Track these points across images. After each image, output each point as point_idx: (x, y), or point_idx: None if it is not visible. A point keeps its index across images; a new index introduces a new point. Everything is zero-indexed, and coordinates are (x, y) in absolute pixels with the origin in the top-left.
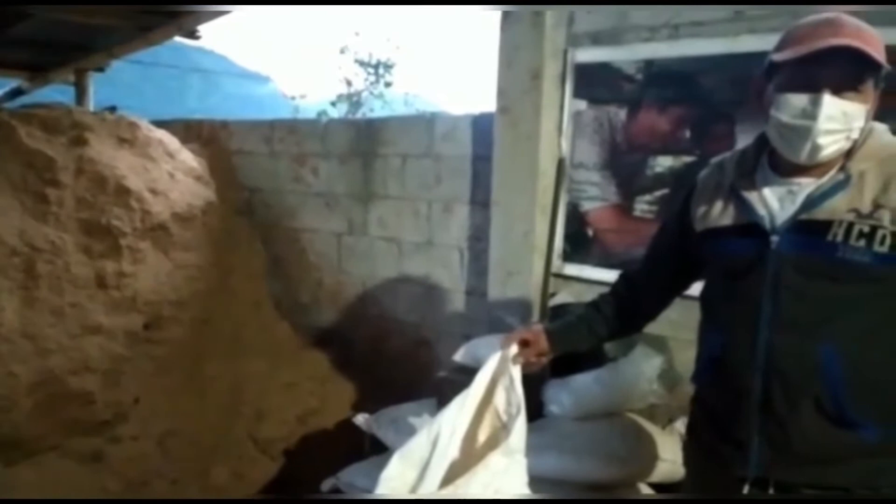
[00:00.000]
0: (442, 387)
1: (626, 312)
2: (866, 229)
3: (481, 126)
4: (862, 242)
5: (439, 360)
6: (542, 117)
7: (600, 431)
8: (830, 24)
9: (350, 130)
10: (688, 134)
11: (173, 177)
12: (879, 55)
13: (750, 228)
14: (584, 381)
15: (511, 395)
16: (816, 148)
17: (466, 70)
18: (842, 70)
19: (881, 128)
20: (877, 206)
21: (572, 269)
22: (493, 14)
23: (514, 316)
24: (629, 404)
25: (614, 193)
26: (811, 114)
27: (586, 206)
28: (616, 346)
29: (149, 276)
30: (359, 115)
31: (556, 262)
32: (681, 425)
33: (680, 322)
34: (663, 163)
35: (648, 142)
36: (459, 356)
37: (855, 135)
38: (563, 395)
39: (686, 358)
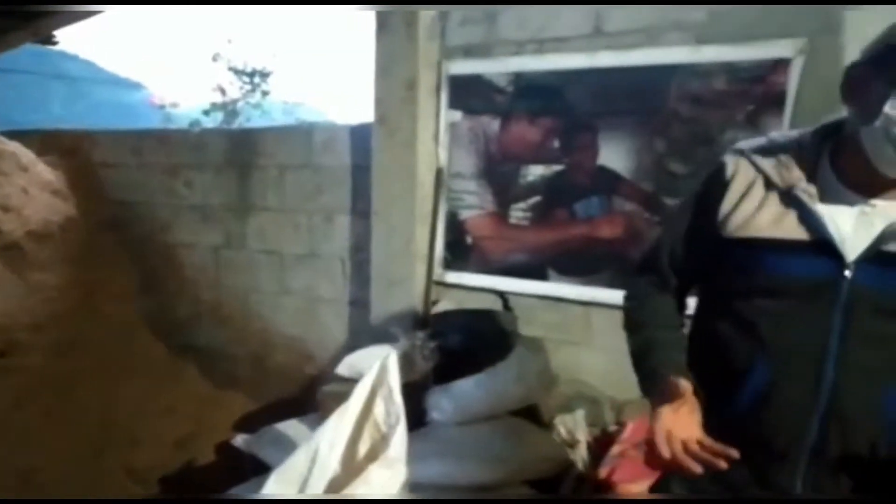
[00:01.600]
0: (325, 401)
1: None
2: None
3: (360, 136)
4: None
5: (325, 374)
6: (419, 127)
7: (482, 435)
8: None
9: (225, 141)
10: (556, 144)
11: (27, 192)
12: None
13: (817, 247)
14: (464, 387)
15: (390, 405)
16: None
17: (353, 78)
18: None
19: None
20: None
21: (453, 277)
22: (370, 23)
23: (398, 325)
24: (510, 406)
25: (491, 202)
26: None
27: (464, 214)
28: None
29: (0, 300)
30: (235, 125)
31: (438, 270)
32: (559, 424)
33: (556, 323)
34: (535, 171)
35: (520, 151)
36: (342, 368)
37: None
38: (444, 402)
39: (562, 358)
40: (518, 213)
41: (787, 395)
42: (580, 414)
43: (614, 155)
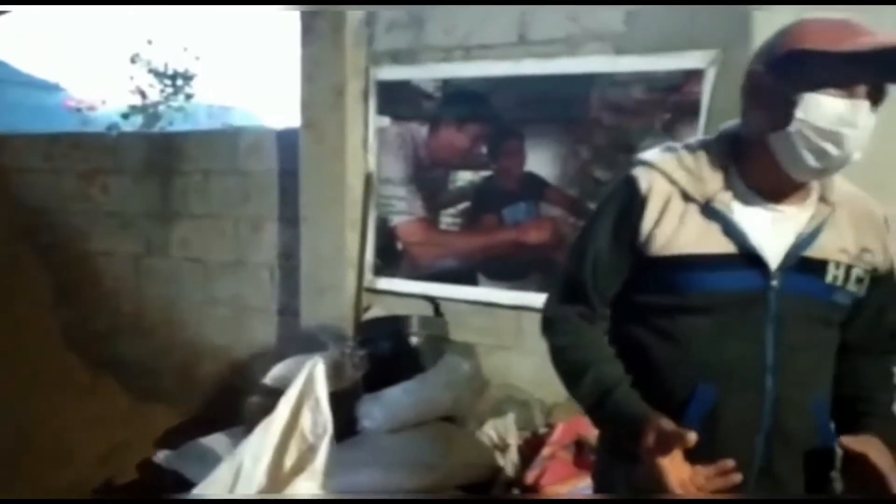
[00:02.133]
0: (251, 413)
1: None
2: (860, 273)
3: (287, 140)
4: (856, 287)
5: (252, 385)
6: (348, 133)
7: (411, 442)
8: (860, 25)
9: (145, 145)
10: (484, 150)
11: None
12: None
13: (744, 260)
14: (394, 394)
15: (317, 415)
16: (840, 162)
17: (283, 82)
18: (885, 81)
19: None
20: (861, 247)
21: (384, 283)
22: (295, 27)
23: (328, 333)
24: (440, 412)
25: (420, 207)
26: (850, 121)
27: (395, 220)
28: (427, 355)
29: None
30: (156, 129)
31: (368, 276)
32: (490, 429)
33: (486, 328)
34: (464, 177)
35: (449, 157)
36: (269, 379)
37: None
38: (375, 410)
39: (493, 363)
40: (448, 218)
41: (734, 415)
42: (510, 418)
43: (541, 161)
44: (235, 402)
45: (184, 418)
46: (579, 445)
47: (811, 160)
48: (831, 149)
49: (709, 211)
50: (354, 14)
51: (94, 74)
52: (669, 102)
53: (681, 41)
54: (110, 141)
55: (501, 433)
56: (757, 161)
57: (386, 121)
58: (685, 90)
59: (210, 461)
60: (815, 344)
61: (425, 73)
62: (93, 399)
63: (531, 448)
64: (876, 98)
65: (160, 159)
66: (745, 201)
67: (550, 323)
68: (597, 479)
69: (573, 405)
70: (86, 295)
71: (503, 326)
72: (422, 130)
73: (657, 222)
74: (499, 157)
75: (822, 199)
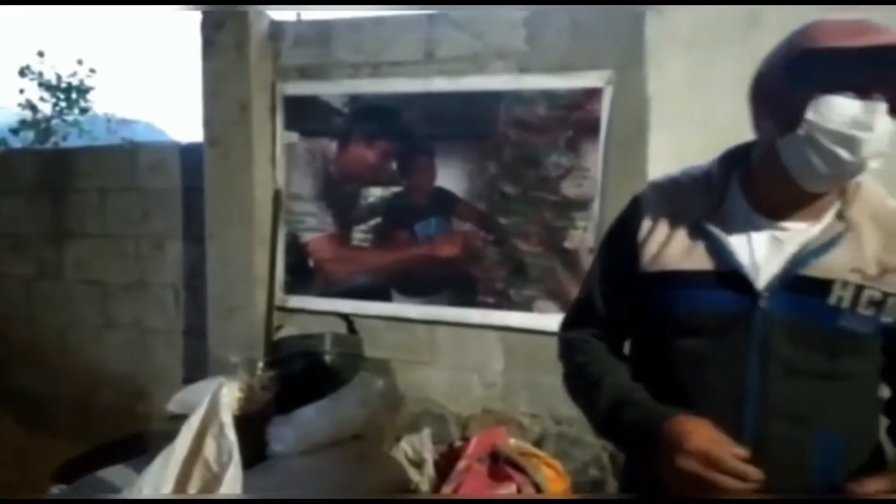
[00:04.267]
0: (152, 441)
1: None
2: (878, 296)
3: (191, 156)
4: (871, 311)
5: (156, 412)
6: (254, 149)
7: (325, 464)
8: (876, 24)
9: (35, 162)
10: (394, 165)
11: None
12: None
13: (727, 278)
14: (306, 415)
15: (222, 442)
16: (854, 169)
17: (188, 95)
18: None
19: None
20: (883, 268)
21: (296, 301)
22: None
23: (238, 354)
24: (354, 430)
25: (331, 224)
26: (865, 123)
27: (306, 236)
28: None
29: None
30: (49, 145)
31: (279, 294)
32: (406, 444)
33: (401, 344)
34: (375, 193)
35: (359, 173)
36: (172, 405)
37: (876, 163)
38: (286, 432)
39: (409, 378)
40: (359, 234)
41: None
42: (426, 433)
43: (451, 177)
44: (136, 431)
45: (82, 450)
46: (494, 457)
47: (822, 166)
48: (844, 154)
49: (697, 229)
50: (259, 28)
51: None
52: (572, 119)
53: (580, 61)
54: None
55: (417, 448)
56: (763, 176)
57: (294, 136)
58: (586, 108)
59: (108, 495)
60: (818, 375)
61: (334, 89)
62: None
63: (447, 462)
64: (893, 101)
65: (52, 177)
66: (744, 220)
67: (567, 344)
68: None
69: (488, 417)
70: None
71: (418, 341)
72: (331, 146)
73: (647, 238)
74: (409, 172)
75: (840, 214)
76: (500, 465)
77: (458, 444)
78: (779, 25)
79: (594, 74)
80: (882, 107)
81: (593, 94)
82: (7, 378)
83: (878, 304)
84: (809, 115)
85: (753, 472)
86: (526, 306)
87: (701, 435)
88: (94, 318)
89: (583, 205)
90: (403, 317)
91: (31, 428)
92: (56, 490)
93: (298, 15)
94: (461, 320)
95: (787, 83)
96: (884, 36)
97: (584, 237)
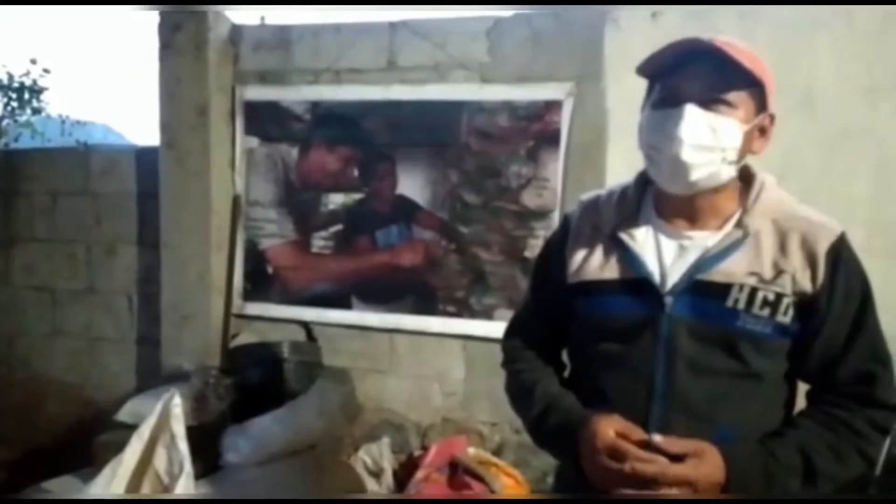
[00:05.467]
0: (100, 452)
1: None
2: (771, 297)
3: (147, 160)
4: (766, 311)
5: (107, 422)
6: (213, 154)
7: (279, 474)
8: (694, 37)
9: None
10: (356, 172)
11: None
12: (755, 68)
13: (637, 285)
14: (262, 424)
15: (173, 452)
16: (682, 166)
17: (146, 97)
18: (707, 80)
19: (772, 181)
20: (779, 270)
21: (254, 308)
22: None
23: (192, 362)
24: (311, 440)
25: (292, 230)
26: (673, 128)
27: (265, 243)
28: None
29: None
30: None
31: (237, 301)
32: (364, 454)
33: (361, 352)
34: (336, 200)
35: (320, 180)
36: (122, 415)
37: (731, 156)
38: (240, 442)
39: (368, 387)
40: (320, 241)
41: None
42: (385, 442)
43: (412, 185)
44: (87, 442)
45: (28, 464)
46: (453, 466)
47: (657, 176)
48: (663, 161)
49: (613, 240)
50: (219, 31)
51: None
52: (532, 130)
53: (541, 73)
54: None
55: (376, 458)
56: (658, 191)
57: (254, 142)
58: (546, 119)
59: None
60: (719, 373)
61: (294, 95)
62: None
63: (406, 471)
64: (705, 100)
65: (1, 179)
66: (655, 230)
67: (507, 353)
68: None
69: (447, 427)
70: None
71: (377, 350)
72: (292, 152)
73: (572, 253)
74: (370, 180)
75: (738, 222)
76: (459, 474)
77: (417, 453)
78: (735, 36)
79: (555, 86)
80: (686, 108)
81: (553, 105)
82: None
83: (772, 305)
84: (640, 135)
85: (659, 458)
86: (486, 315)
87: (607, 430)
88: (40, 326)
89: (542, 215)
90: (363, 325)
91: None
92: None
93: (262, 18)
94: (422, 329)
95: (644, 104)
96: (685, 43)
97: None
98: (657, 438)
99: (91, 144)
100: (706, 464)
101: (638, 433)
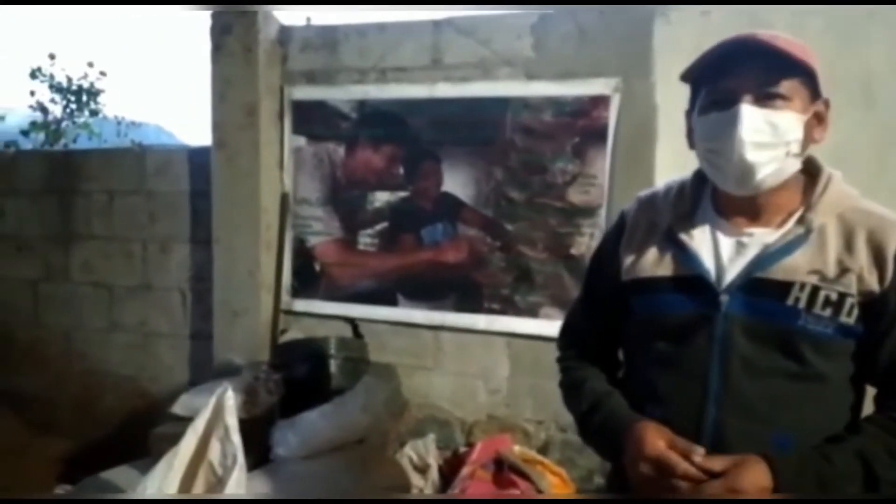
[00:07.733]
0: (157, 443)
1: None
2: (834, 296)
3: (198, 160)
4: (828, 311)
5: (162, 414)
6: (262, 153)
7: (328, 468)
8: (739, 35)
9: (44, 164)
10: (401, 170)
11: None
12: (806, 57)
13: (692, 283)
14: (309, 419)
15: (227, 445)
16: (748, 168)
17: (198, 99)
18: (758, 76)
19: (839, 176)
20: (843, 269)
21: (302, 305)
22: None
23: (243, 357)
24: (357, 435)
25: (338, 228)
26: (732, 130)
27: (312, 241)
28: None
29: None
30: (59, 147)
31: (285, 298)
32: (410, 450)
33: (406, 349)
34: (381, 198)
35: (366, 178)
36: (177, 407)
37: (795, 149)
38: (289, 436)
39: (413, 383)
40: (366, 239)
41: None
42: (431, 438)
43: (457, 182)
44: (142, 434)
45: (86, 454)
46: (499, 463)
47: (720, 180)
48: (724, 163)
49: (669, 237)
50: (268, 33)
51: None
52: (578, 126)
53: (587, 68)
54: (6, 159)
55: (422, 454)
56: (715, 188)
57: (302, 141)
58: (593, 115)
59: (113, 495)
60: (776, 374)
61: (341, 94)
62: None
63: (452, 468)
64: (760, 96)
65: (60, 179)
66: (712, 227)
67: (560, 348)
68: None
69: (492, 424)
70: None
71: (423, 346)
72: (338, 151)
73: (627, 250)
74: (415, 177)
75: (801, 219)
76: (504, 471)
77: (462, 450)
78: (787, 31)
79: (601, 82)
80: (742, 108)
81: (600, 101)
82: (12, 379)
83: (835, 305)
84: (697, 140)
85: (707, 478)
86: (531, 312)
87: (655, 442)
88: (99, 321)
89: (589, 212)
90: (409, 322)
91: (35, 429)
92: (60, 490)
93: (308, 18)
94: (466, 326)
95: (690, 109)
96: (734, 41)
97: (590, 244)
98: (698, 458)
99: (146, 145)
100: (748, 473)
101: (687, 448)
